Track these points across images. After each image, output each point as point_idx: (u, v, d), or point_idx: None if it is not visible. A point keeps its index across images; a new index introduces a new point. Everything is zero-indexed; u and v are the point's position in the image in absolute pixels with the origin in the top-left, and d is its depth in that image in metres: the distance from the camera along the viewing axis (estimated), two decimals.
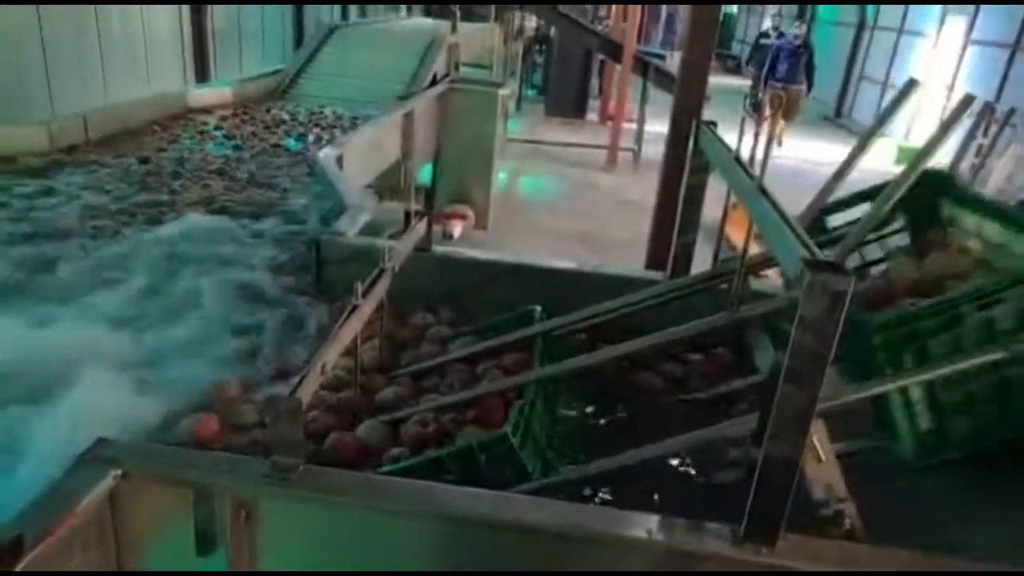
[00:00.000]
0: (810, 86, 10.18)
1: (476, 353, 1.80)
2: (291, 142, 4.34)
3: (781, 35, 10.47)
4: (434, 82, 5.45)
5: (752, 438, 1.07)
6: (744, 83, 14.47)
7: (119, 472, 1.11)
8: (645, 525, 1.09)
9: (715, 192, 1.88)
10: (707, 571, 1.07)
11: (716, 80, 6.62)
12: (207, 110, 4.82)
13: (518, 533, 1.11)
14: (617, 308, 1.71)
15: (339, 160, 3.16)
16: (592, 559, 1.10)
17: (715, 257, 1.76)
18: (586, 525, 1.10)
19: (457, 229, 5.59)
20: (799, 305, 0.88)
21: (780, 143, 8.92)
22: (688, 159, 1.84)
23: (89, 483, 1.08)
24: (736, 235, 1.95)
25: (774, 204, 1.17)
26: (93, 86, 6.15)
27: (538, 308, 1.89)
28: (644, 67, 8.79)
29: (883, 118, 1.93)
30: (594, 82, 12.63)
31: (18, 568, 0.92)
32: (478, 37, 7.61)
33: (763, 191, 1.23)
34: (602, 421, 1.74)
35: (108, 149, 3.62)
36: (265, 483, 1.12)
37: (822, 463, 1.11)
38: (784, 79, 9.61)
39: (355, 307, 1.43)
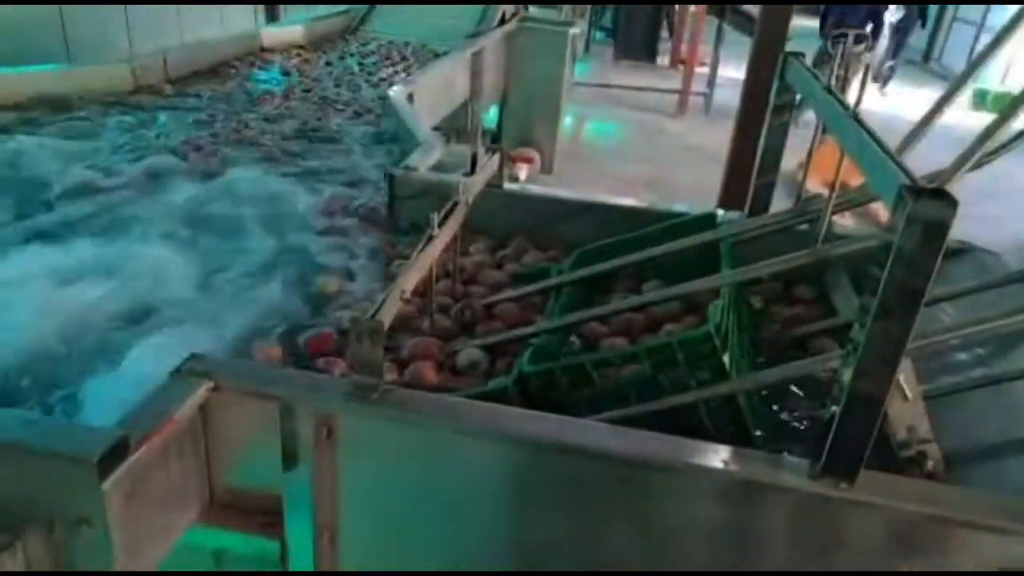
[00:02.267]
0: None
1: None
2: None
3: None
4: (503, 21, 5.37)
5: (835, 375, 1.04)
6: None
7: (211, 385, 1.16)
8: (720, 456, 1.09)
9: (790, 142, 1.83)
10: (784, 503, 1.07)
11: (798, 22, 6.32)
12: (278, 49, 4.86)
13: (589, 458, 1.12)
14: (704, 242, 1.68)
15: (410, 97, 3.16)
16: (665, 488, 1.11)
17: (798, 197, 1.71)
18: (659, 453, 1.11)
19: (523, 172, 5.57)
20: (897, 233, 0.84)
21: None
22: (773, 94, 1.77)
23: (184, 394, 1.13)
24: (814, 183, 1.88)
25: (871, 133, 1.12)
26: (169, 28, 6.29)
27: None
28: (720, 7, 8.43)
29: (976, 63, 1.79)
30: (665, 24, 12.20)
31: (123, 466, 0.98)
32: None
33: (859, 120, 1.18)
34: None
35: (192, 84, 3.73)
36: (346, 401, 1.16)
37: (907, 402, 1.08)
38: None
39: (431, 236, 1.45)
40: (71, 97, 3.17)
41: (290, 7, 7.68)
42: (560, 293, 1.79)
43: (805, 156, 1.73)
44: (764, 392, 1.43)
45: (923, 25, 9.75)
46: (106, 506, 0.96)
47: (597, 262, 1.78)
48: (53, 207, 2.24)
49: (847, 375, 0.96)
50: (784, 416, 1.43)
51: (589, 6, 11.33)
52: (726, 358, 1.29)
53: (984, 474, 1.24)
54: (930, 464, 1.13)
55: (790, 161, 1.96)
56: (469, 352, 1.61)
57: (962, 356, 1.48)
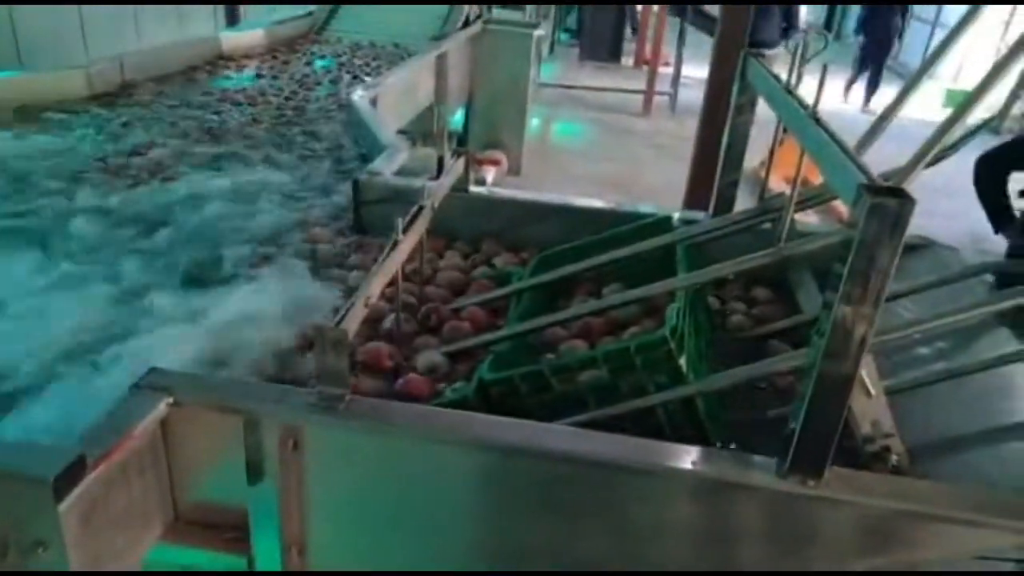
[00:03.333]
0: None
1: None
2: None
3: None
4: (467, 23, 5.35)
5: (799, 373, 1.05)
6: None
7: (171, 400, 1.14)
8: (689, 456, 1.09)
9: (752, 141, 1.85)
10: (753, 502, 1.08)
11: None
12: (239, 54, 4.78)
13: (560, 463, 1.12)
14: (662, 245, 1.68)
15: (373, 102, 3.13)
16: (636, 490, 1.11)
17: (760, 195, 1.72)
18: (628, 456, 1.11)
19: (490, 175, 5.55)
20: (857, 230, 0.85)
21: None
22: (734, 93, 1.78)
23: (143, 410, 1.10)
24: (776, 180, 1.89)
25: (829, 132, 1.13)
26: (126, 31, 6.16)
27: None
28: (682, 7, 8.52)
29: (931, 60, 1.82)
30: (629, 25, 12.29)
31: (80, 487, 0.95)
32: None
33: (817, 119, 1.19)
34: None
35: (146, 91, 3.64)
36: (311, 412, 1.14)
37: (870, 398, 1.10)
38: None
39: (396, 242, 1.43)
40: (19, 104, 3.08)
41: (250, 10, 7.58)
42: (521, 298, 1.79)
43: (767, 154, 1.75)
44: (724, 394, 1.44)
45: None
46: (63, 528, 0.93)
47: (558, 266, 1.78)
48: None
49: (812, 372, 0.97)
50: (743, 417, 1.44)
51: (553, 8, 11.38)
52: (683, 361, 1.30)
53: (947, 467, 1.26)
54: (894, 459, 1.14)
55: (753, 159, 1.99)
56: (428, 356, 1.60)
57: (923, 350, 1.51)
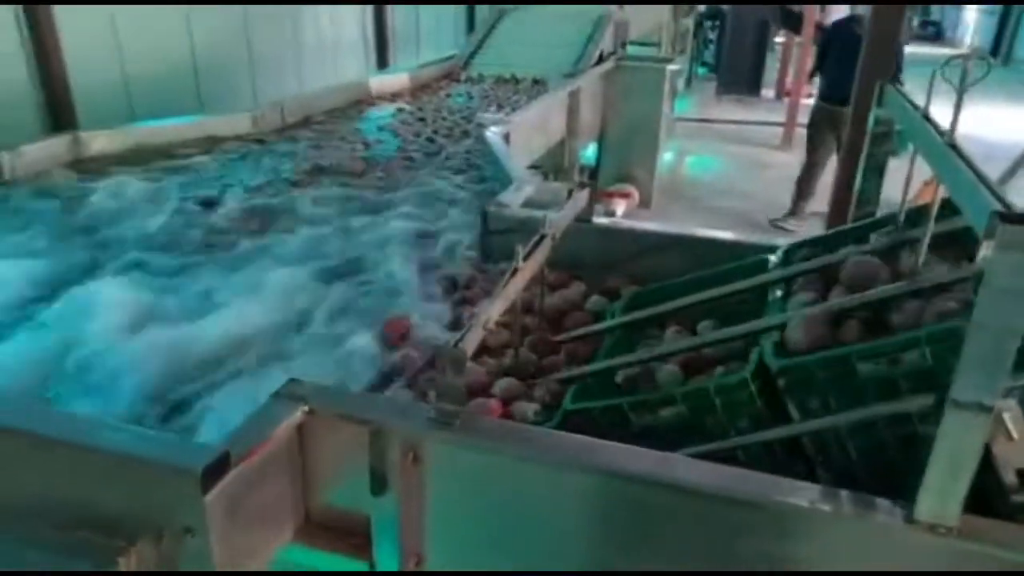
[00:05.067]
0: None
1: (650, 318, 1.79)
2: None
3: None
4: (600, 60, 5.44)
5: (929, 413, 0.99)
6: (942, 51, 13.08)
7: (306, 408, 1.24)
8: (808, 495, 1.05)
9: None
10: (875, 548, 1.02)
11: (911, 50, 6.06)
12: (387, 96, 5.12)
13: (675, 493, 1.11)
14: (788, 276, 1.64)
15: (506, 137, 3.25)
16: (750, 525, 1.08)
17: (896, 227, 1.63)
18: (746, 489, 1.08)
19: (620, 208, 5.57)
20: (988, 259, 0.81)
21: None
22: (870, 122, 1.71)
23: (282, 416, 1.21)
24: None
25: (967, 161, 1.07)
26: (289, 82, 6.77)
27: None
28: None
29: None
30: (770, 57, 11.96)
31: (224, 480, 1.05)
32: (647, 13, 7.46)
33: (954, 147, 1.13)
34: None
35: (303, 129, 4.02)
36: (429, 427, 1.20)
37: (1013, 442, 1.01)
38: None
39: (516, 269, 1.48)
40: (199, 141, 3.51)
41: (397, 55, 8.08)
42: (614, 332, 1.80)
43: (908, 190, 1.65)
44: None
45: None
46: (208, 517, 1.04)
47: (651, 303, 1.79)
48: None
49: (943, 413, 0.91)
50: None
51: (690, 43, 11.28)
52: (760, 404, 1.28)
53: None
54: None
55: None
56: (521, 407, 1.64)
57: None
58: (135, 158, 3.26)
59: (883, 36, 3.23)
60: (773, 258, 1.77)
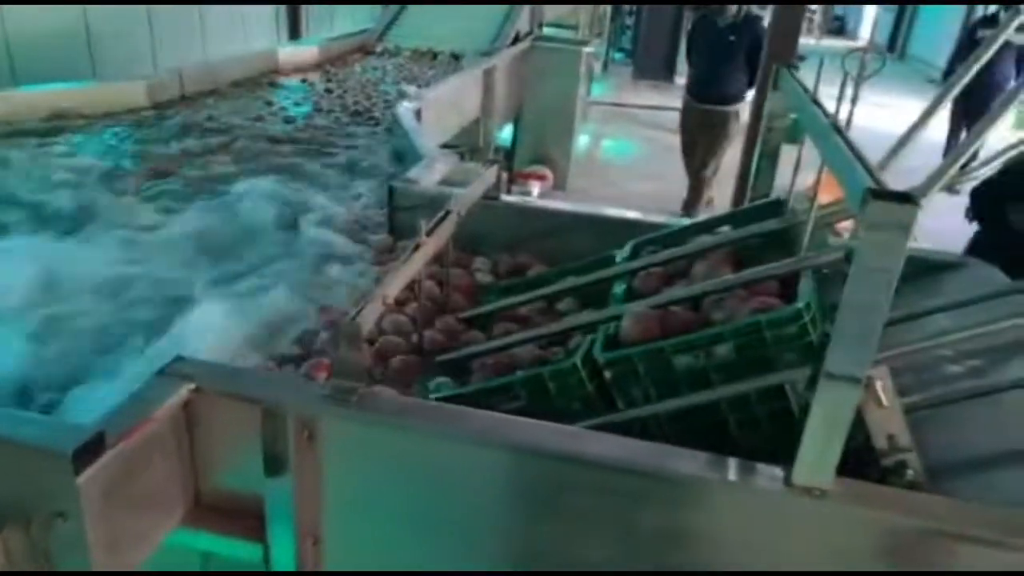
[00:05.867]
0: None
1: (552, 294, 1.80)
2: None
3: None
4: (517, 40, 5.43)
5: (807, 382, 1.04)
6: (844, 44, 13.67)
7: (193, 386, 1.18)
8: (695, 462, 1.09)
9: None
10: (757, 513, 1.06)
11: (811, 42, 6.31)
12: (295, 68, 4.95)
13: (575, 465, 1.12)
14: (686, 255, 1.68)
15: (417, 114, 3.20)
16: (647, 495, 1.11)
17: (786, 203, 1.70)
18: (643, 460, 1.11)
19: (535, 189, 5.60)
20: (861, 234, 0.84)
21: None
22: (766, 104, 1.77)
23: (165, 394, 1.15)
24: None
25: (847, 141, 1.12)
26: (192, 46, 6.42)
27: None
28: None
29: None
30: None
31: (99, 462, 1.00)
32: None
33: (837, 129, 1.18)
34: None
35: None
36: (325, 404, 1.17)
37: (884, 409, 1.07)
38: None
39: (418, 244, 1.46)
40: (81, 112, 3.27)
41: (311, 24, 7.81)
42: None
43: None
44: None
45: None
46: (81, 501, 0.98)
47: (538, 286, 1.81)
48: None
49: (817, 379, 0.95)
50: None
51: (607, 26, 11.41)
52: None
53: (970, 487, 1.21)
54: (910, 474, 1.11)
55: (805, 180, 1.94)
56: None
57: (954, 368, 1.46)
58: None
59: (786, 29, 3.37)
60: (620, 253, 1.84)
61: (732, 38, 5.25)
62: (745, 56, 5.23)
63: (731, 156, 5.46)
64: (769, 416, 1.33)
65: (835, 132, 1.16)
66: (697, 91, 5.65)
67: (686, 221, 2.17)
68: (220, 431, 1.24)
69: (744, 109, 5.25)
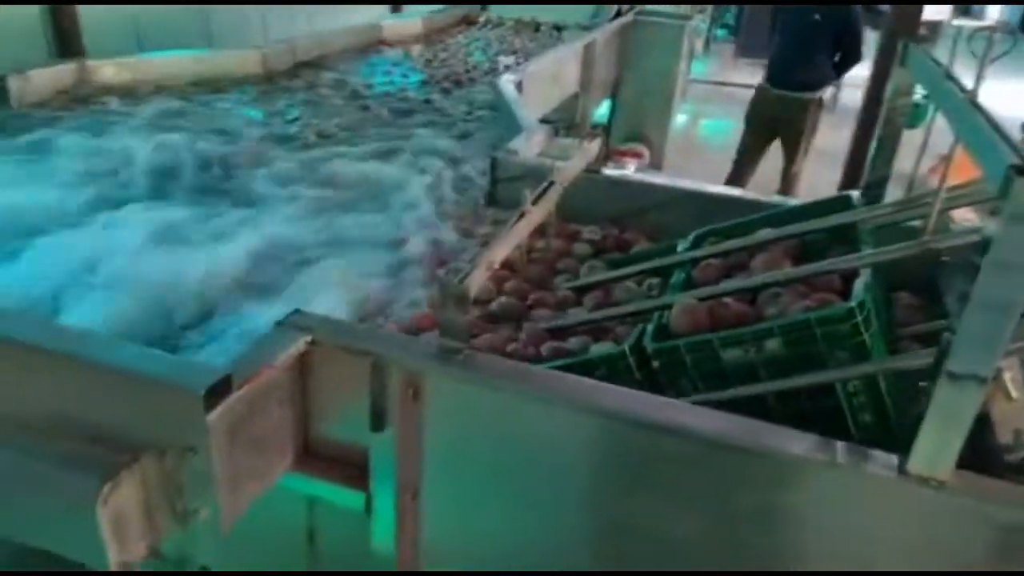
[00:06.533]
0: None
1: (635, 273, 1.78)
2: None
3: None
4: (618, 15, 5.33)
5: (931, 370, 1.00)
6: (972, 24, 12.75)
7: (309, 338, 1.25)
8: (802, 443, 1.06)
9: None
10: (868, 498, 1.03)
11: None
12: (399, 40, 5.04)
13: (669, 436, 1.12)
14: (800, 234, 1.63)
15: (519, 86, 3.21)
16: (746, 472, 1.10)
17: (909, 187, 1.62)
18: (743, 436, 1.09)
19: (631, 167, 5.51)
20: (1002, 215, 0.80)
21: None
22: (890, 81, 1.68)
23: (284, 344, 1.22)
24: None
25: (988, 118, 1.05)
26: (300, 18, 6.64)
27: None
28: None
29: None
30: None
31: (226, 402, 1.07)
32: None
33: (976, 104, 1.11)
34: None
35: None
36: (431, 361, 1.21)
37: (1012, 403, 1.02)
38: None
39: (523, 213, 1.48)
40: (207, 78, 3.45)
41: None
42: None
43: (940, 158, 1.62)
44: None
45: None
46: (210, 437, 1.05)
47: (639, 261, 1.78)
48: None
49: (941, 369, 0.91)
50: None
51: (711, 4, 11.03)
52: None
53: None
54: None
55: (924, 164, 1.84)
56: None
57: None
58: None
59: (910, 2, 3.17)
60: (682, 243, 1.81)
61: (817, 17, 4.66)
62: (832, 40, 4.70)
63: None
64: (817, 413, 1.30)
65: (974, 108, 1.09)
66: (774, 75, 5.05)
67: (790, 202, 2.11)
68: (331, 383, 1.30)
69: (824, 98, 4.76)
